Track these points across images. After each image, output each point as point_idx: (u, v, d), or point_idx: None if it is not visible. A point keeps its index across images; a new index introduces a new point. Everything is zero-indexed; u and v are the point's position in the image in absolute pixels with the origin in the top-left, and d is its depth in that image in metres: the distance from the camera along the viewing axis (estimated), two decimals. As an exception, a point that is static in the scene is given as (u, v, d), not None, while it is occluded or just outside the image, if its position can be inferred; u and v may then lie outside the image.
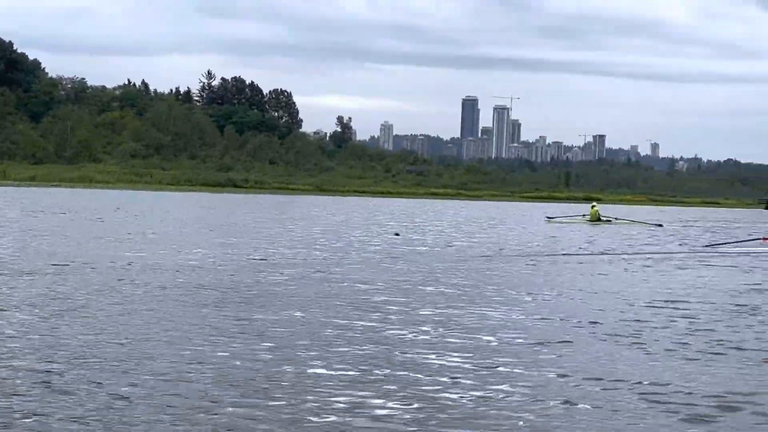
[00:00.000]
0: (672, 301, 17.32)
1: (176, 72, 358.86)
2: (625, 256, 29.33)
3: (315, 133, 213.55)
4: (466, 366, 10.70)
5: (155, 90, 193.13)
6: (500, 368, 10.64)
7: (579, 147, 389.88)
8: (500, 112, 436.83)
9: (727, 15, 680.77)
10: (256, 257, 23.93)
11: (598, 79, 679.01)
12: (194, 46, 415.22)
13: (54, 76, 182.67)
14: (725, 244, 38.08)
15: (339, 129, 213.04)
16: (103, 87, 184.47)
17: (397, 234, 35.70)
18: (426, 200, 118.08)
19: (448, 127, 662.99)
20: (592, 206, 58.54)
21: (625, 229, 49.10)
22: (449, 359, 11.09)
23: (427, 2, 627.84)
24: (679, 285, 20.59)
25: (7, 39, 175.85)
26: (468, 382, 9.88)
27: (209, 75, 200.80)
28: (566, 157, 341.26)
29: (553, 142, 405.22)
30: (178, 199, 79.09)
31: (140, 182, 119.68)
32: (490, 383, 9.85)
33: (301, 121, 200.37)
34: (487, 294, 17.69)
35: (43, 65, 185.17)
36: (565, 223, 55.55)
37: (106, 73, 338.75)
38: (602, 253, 30.38)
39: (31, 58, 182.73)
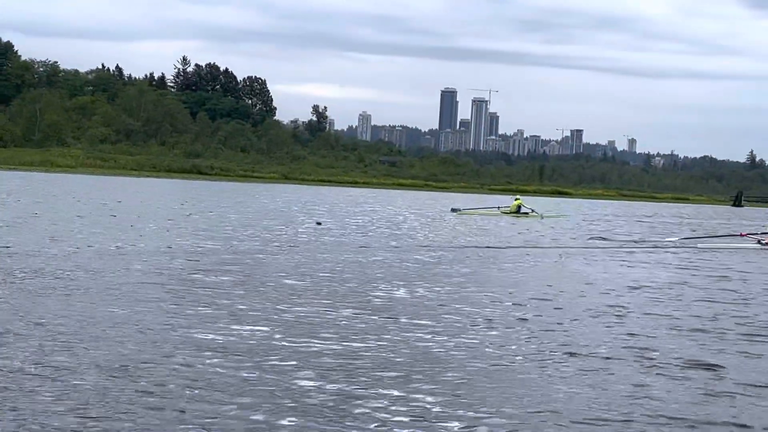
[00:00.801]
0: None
1: (153, 58, 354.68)
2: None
3: (292, 122, 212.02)
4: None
5: (129, 75, 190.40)
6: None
7: (556, 141, 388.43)
8: (478, 104, 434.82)
9: (706, 12, 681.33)
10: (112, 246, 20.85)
11: (577, 73, 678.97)
12: (172, 31, 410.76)
13: (27, 59, 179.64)
14: (702, 238, 36.25)
15: (314, 118, 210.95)
16: (76, 71, 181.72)
17: (318, 223, 34.05)
18: (390, 190, 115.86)
19: (427, 119, 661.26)
20: (516, 199, 56.10)
21: (530, 223, 46.61)
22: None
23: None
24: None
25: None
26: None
27: (184, 61, 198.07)
28: (543, 151, 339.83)
29: (531, 136, 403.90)
30: (133, 184, 76.18)
31: (104, 167, 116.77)
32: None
33: (275, 109, 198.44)
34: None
35: (16, 48, 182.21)
36: (474, 214, 52.53)
37: (81, 57, 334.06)
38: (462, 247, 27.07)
39: (5, 40, 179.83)
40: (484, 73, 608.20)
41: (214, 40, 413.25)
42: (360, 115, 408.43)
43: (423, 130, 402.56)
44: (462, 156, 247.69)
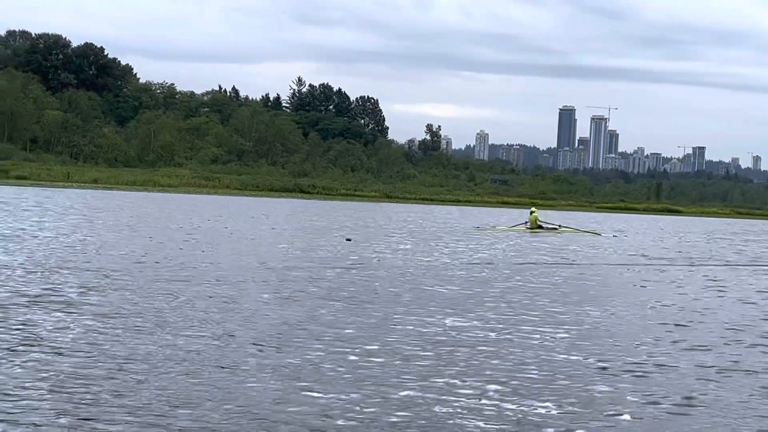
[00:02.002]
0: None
1: (270, 79, 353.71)
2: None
3: (410, 141, 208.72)
4: None
5: (246, 97, 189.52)
6: None
7: (678, 159, 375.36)
8: (597, 122, 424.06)
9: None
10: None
11: (698, 90, 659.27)
12: (288, 53, 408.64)
13: (145, 81, 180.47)
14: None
15: (428, 137, 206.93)
16: (192, 93, 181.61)
17: (348, 239, 32.64)
18: (492, 208, 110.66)
19: (545, 137, 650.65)
20: (531, 212, 50.58)
21: (559, 238, 42.87)
22: None
23: (520, 11, 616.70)
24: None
25: (99, 44, 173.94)
26: None
27: (299, 82, 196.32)
28: (664, 169, 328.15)
29: (652, 154, 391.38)
30: (223, 202, 72.82)
31: (207, 186, 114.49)
32: None
33: (387, 128, 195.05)
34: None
35: (135, 71, 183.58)
36: (499, 231, 47.91)
37: (198, 79, 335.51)
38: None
39: (124, 63, 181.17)
40: (603, 90, 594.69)
41: (330, 61, 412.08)
42: (477, 134, 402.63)
43: (541, 149, 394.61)
44: (579, 174, 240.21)
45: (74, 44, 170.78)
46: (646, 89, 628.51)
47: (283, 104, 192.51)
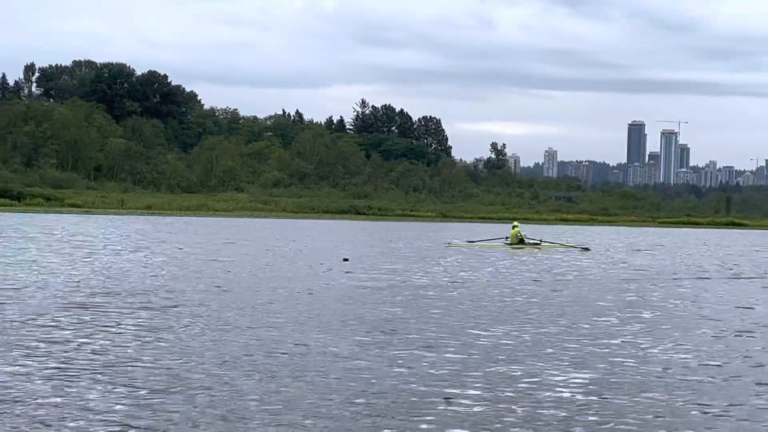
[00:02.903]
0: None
1: (333, 102, 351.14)
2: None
3: (478, 159, 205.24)
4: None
5: (311, 120, 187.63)
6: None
7: (751, 172, 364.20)
8: (668, 136, 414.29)
9: None
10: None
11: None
12: (353, 76, 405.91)
13: (209, 107, 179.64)
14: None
15: (493, 155, 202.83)
16: (255, 117, 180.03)
17: (346, 259, 31.16)
18: (551, 226, 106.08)
19: (614, 153, 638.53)
20: (513, 226, 47.08)
21: (545, 253, 40.89)
22: None
23: (583, 26, 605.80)
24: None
25: (163, 72, 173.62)
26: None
27: (363, 104, 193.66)
28: (737, 182, 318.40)
29: (724, 167, 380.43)
30: (280, 225, 69.71)
31: (264, 210, 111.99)
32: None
33: (450, 148, 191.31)
34: None
35: (200, 97, 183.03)
36: (471, 246, 44.65)
37: (263, 104, 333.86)
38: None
39: (189, 90, 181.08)
40: (672, 104, 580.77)
41: (394, 83, 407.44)
42: (546, 151, 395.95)
43: (611, 165, 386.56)
44: (650, 190, 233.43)
45: (138, 72, 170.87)
46: (716, 102, 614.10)
47: (347, 127, 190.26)
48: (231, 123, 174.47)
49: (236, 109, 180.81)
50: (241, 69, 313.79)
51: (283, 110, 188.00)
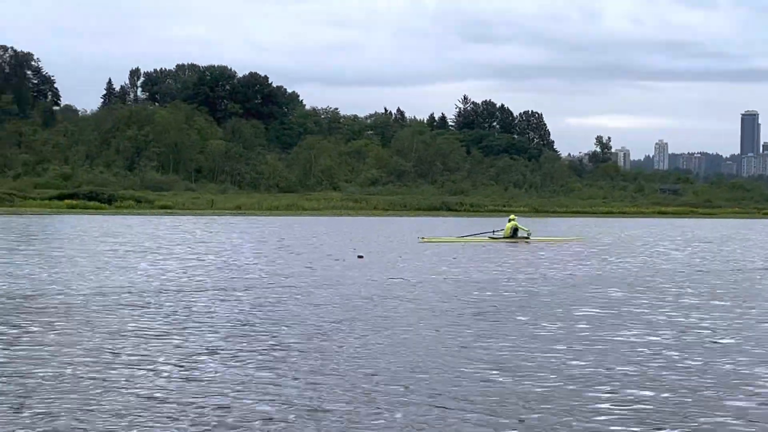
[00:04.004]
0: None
1: (436, 99, 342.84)
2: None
3: (586, 154, 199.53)
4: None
5: (413, 117, 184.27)
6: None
7: None
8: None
9: None
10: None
11: None
12: (456, 72, 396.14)
13: (310, 108, 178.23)
14: None
15: (598, 149, 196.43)
16: (355, 116, 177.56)
17: (360, 257, 29.04)
18: (646, 219, 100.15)
19: (727, 144, 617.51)
20: (510, 219, 42.80)
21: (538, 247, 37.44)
22: None
23: (693, 16, 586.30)
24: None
25: (263, 73, 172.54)
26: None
27: (465, 100, 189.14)
28: None
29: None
30: (361, 223, 66.14)
31: (355, 208, 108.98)
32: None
33: (552, 142, 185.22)
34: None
35: (302, 98, 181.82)
36: (444, 241, 40.54)
37: (365, 103, 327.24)
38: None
39: (290, 91, 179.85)
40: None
41: (499, 78, 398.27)
42: (656, 144, 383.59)
43: (724, 156, 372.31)
44: (763, 180, 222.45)
45: (240, 75, 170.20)
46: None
47: (449, 123, 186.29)
48: (331, 122, 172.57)
49: (336, 109, 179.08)
50: (343, 69, 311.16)
51: (385, 108, 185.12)
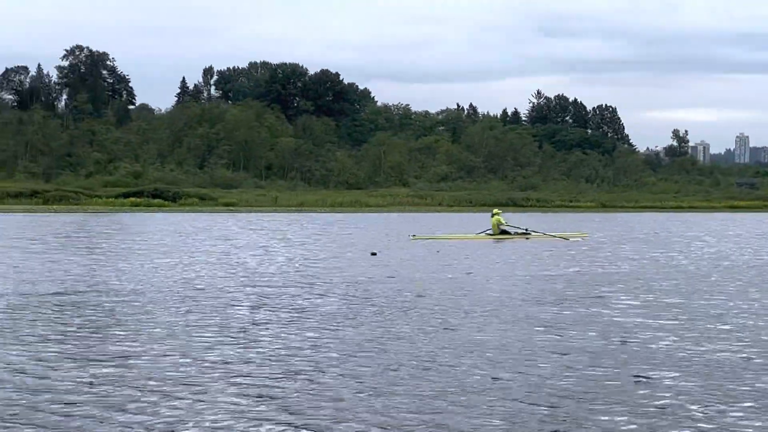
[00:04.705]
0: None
1: (510, 94, 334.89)
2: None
3: (665, 148, 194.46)
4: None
5: (486, 113, 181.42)
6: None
7: None
8: None
9: None
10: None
11: None
12: (531, 67, 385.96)
13: (381, 104, 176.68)
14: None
15: (675, 143, 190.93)
16: (426, 112, 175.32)
17: (374, 253, 28.66)
18: (703, 213, 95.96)
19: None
20: (493, 214, 40.43)
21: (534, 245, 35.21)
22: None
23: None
24: None
25: (335, 71, 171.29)
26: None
27: (538, 95, 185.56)
28: None
29: None
30: (422, 219, 64.02)
31: (421, 204, 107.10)
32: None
33: (627, 136, 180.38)
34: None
35: (373, 94, 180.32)
36: (442, 238, 38.41)
37: (438, 99, 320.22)
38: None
39: (362, 87, 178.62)
40: None
41: (574, 72, 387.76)
42: (737, 137, 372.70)
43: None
44: None
45: (311, 72, 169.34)
46: None
47: (522, 119, 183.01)
48: (402, 119, 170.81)
49: (408, 105, 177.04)
50: (416, 65, 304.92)
51: (457, 104, 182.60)
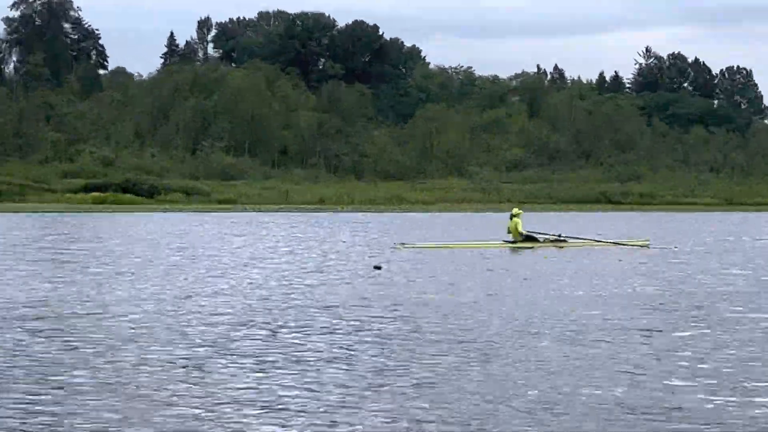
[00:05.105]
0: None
1: (609, 52, 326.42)
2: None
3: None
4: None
5: (576, 77, 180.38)
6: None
7: None
8: None
9: None
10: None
11: None
12: (637, 17, 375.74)
13: (435, 66, 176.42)
14: None
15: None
16: (495, 77, 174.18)
17: (377, 267, 30.07)
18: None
19: None
20: (512, 216, 39.52)
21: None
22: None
23: None
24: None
25: (371, 22, 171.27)
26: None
27: (647, 53, 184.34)
28: None
29: None
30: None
31: (480, 201, 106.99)
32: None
33: (766, 108, 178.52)
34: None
35: (423, 53, 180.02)
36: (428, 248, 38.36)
37: (511, 59, 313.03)
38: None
39: (409, 45, 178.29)
40: None
41: (697, 23, 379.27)
42: None
43: None
44: None
45: (341, 24, 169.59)
46: None
47: (626, 85, 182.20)
48: (463, 86, 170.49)
49: (471, 68, 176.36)
50: (483, 14, 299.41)
51: (538, 66, 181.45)
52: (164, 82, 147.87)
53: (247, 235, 48.69)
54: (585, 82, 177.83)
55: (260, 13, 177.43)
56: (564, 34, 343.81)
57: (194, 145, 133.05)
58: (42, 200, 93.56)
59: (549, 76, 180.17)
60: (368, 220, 69.90)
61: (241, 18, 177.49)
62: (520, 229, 38.91)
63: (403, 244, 38.78)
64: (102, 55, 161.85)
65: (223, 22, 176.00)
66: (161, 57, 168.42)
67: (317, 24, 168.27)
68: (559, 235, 39.51)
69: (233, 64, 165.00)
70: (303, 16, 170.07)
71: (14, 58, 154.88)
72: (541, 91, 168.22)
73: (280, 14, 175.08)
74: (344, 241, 44.81)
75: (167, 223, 62.74)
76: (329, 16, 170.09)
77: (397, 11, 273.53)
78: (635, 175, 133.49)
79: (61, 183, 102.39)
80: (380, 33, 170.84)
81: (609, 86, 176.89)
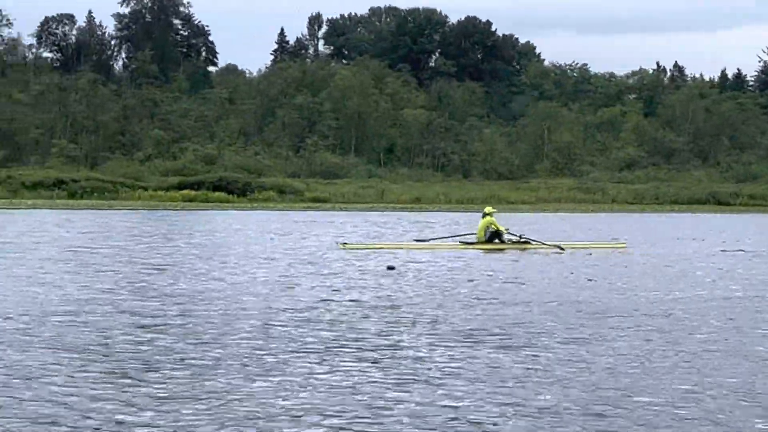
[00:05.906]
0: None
1: (732, 50, 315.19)
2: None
3: None
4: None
5: (696, 75, 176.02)
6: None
7: None
8: None
9: None
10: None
11: None
12: (764, 12, 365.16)
13: (549, 63, 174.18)
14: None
15: None
16: (611, 75, 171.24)
17: (391, 268, 29.79)
18: None
19: None
20: (484, 214, 37.55)
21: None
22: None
23: None
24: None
25: (485, 18, 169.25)
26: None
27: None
28: None
29: None
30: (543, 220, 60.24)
31: (585, 201, 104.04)
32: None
33: None
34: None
35: (538, 50, 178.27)
36: (365, 248, 36.58)
37: (630, 56, 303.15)
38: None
39: (523, 41, 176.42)
40: None
41: None
42: None
43: None
44: None
45: (453, 20, 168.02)
46: None
47: (749, 83, 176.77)
48: (577, 84, 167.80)
49: (586, 65, 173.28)
50: (599, 10, 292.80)
51: (657, 64, 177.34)
52: (273, 78, 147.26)
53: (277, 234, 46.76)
54: (707, 80, 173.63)
55: (372, 9, 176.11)
56: (686, 30, 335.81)
57: (299, 143, 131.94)
58: (133, 197, 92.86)
59: (668, 74, 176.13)
60: (437, 220, 67.05)
61: (353, 14, 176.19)
62: (499, 230, 36.97)
63: (345, 244, 37.19)
64: (212, 51, 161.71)
65: (334, 18, 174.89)
66: (271, 54, 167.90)
67: (429, 20, 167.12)
68: (521, 236, 37.51)
69: (344, 61, 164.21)
70: (415, 12, 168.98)
71: (123, 56, 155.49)
72: (659, 89, 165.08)
73: (391, 10, 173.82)
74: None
75: (244, 222, 60.47)
76: (441, 12, 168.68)
77: (511, 7, 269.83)
78: (751, 175, 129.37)
79: (157, 181, 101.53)
80: (494, 29, 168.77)
81: (731, 84, 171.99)
